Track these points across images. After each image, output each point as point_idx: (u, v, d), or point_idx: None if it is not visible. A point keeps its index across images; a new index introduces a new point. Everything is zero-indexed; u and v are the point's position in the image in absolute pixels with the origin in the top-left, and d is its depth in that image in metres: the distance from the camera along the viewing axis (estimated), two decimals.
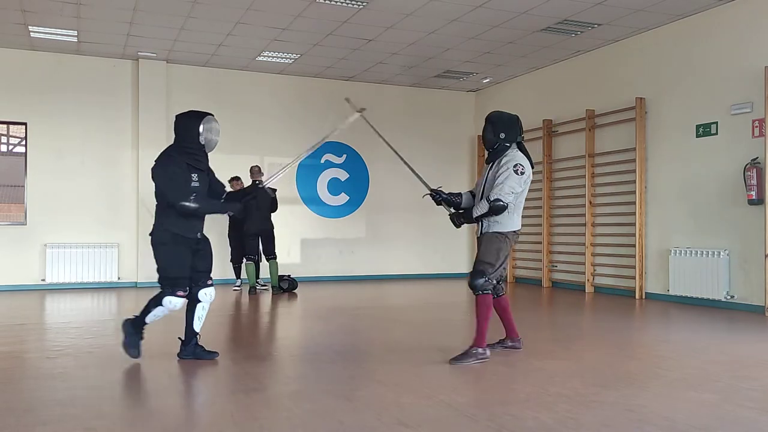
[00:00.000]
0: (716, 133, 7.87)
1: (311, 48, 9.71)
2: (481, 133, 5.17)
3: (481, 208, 4.76)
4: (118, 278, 10.32)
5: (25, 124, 10.06)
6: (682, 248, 8.18)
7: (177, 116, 4.81)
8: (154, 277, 9.87)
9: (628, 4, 7.82)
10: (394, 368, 4.50)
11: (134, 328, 4.71)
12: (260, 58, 10.29)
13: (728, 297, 7.63)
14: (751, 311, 7.35)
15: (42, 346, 5.62)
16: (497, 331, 5.25)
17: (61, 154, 10.12)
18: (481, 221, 4.83)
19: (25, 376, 4.51)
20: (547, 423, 3.28)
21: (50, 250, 9.93)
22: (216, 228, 10.77)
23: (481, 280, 4.71)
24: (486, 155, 5.08)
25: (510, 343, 5.13)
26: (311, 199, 11.56)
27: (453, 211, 5.05)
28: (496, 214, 4.74)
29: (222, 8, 8.04)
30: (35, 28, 8.84)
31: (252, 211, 9.28)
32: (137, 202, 10.42)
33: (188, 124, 4.70)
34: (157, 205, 4.71)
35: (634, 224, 8.82)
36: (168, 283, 4.62)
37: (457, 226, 5.07)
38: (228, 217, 9.83)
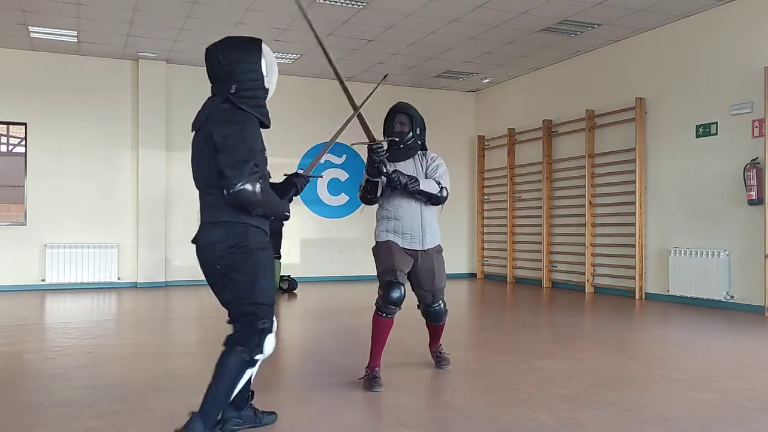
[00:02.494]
0: (716, 133, 7.87)
1: (311, 48, 9.70)
2: (390, 124, 4.33)
3: (431, 186, 4.18)
4: (118, 278, 10.31)
5: (25, 124, 10.06)
6: (682, 248, 8.17)
7: (220, 46, 3.00)
8: (154, 277, 9.73)
9: (628, 4, 7.82)
10: (394, 368, 4.50)
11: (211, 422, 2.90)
12: None
13: (728, 297, 7.63)
14: (751, 311, 7.35)
15: (42, 346, 5.61)
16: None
17: (61, 154, 10.12)
18: (425, 235, 4.25)
19: (25, 376, 4.51)
20: (547, 423, 3.28)
21: (50, 250, 9.93)
22: None
23: (445, 306, 4.46)
24: (388, 150, 4.22)
25: (371, 374, 4.10)
26: (311, 200, 11.55)
27: (387, 170, 4.06)
28: (434, 202, 4.25)
29: (222, 8, 8.04)
30: (35, 28, 8.84)
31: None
32: (137, 202, 10.42)
33: (246, 56, 2.99)
34: (207, 196, 3.01)
35: (634, 224, 8.82)
36: (268, 313, 3.00)
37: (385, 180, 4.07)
38: None
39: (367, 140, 4.04)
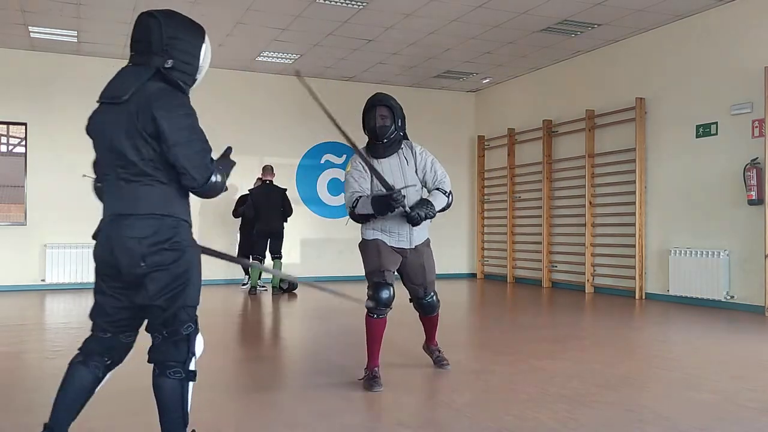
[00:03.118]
0: (716, 133, 7.86)
1: (311, 48, 9.70)
2: (370, 118, 4.16)
3: (441, 200, 4.11)
4: None
5: (25, 124, 10.06)
6: (682, 248, 8.17)
7: (163, 14, 2.79)
8: None
9: (628, 4, 7.82)
10: (393, 368, 4.50)
11: None
12: (260, 58, 10.29)
13: (728, 297, 7.63)
14: (751, 311, 7.35)
15: (42, 346, 5.61)
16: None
17: (61, 154, 10.12)
18: (413, 233, 4.17)
19: (25, 376, 4.51)
20: (547, 423, 3.28)
21: (50, 250, 9.93)
22: (221, 227, 10.78)
23: (437, 297, 4.50)
24: (369, 146, 4.23)
25: (371, 375, 4.07)
26: (311, 200, 11.55)
27: (407, 211, 3.97)
28: (446, 209, 4.21)
29: (222, 8, 8.04)
30: (35, 28, 8.84)
31: (262, 212, 9.31)
32: None
33: (190, 37, 2.77)
34: (131, 184, 2.68)
35: (634, 224, 8.82)
36: (192, 315, 2.66)
37: (420, 220, 4.01)
38: (240, 215, 9.89)
39: (383, 187, 3.91)
